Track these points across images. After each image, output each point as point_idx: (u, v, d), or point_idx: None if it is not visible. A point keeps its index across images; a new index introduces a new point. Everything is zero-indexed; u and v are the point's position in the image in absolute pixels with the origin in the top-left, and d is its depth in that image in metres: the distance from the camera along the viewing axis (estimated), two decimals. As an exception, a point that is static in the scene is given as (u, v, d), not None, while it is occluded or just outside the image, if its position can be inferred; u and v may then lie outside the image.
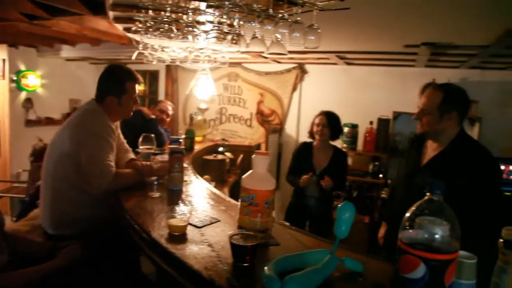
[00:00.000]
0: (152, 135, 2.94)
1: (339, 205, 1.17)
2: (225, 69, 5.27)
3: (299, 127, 5.09)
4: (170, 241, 1.39)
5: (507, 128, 4.36)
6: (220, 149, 4.02)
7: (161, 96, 5.82)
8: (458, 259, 1.00)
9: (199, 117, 4.28)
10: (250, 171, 1.55)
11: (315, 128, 3.25)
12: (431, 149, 2.04)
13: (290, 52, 3.82)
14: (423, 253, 0.80)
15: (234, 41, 2.19)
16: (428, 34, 2.73)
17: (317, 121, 3.27)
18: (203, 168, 3.78)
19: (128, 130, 3.42)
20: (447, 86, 2.00)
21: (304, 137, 4.96)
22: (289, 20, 1.74)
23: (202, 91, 4.29)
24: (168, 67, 5.64)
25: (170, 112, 3.91)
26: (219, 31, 1.93)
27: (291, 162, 3.39)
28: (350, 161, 4.78)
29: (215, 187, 3.50)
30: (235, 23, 1.81)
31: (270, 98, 5.19)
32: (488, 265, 1.03)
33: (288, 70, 5.04)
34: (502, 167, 4.18)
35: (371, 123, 4.51)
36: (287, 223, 1.76)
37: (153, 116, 3.70)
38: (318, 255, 1.19)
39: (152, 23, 2.00)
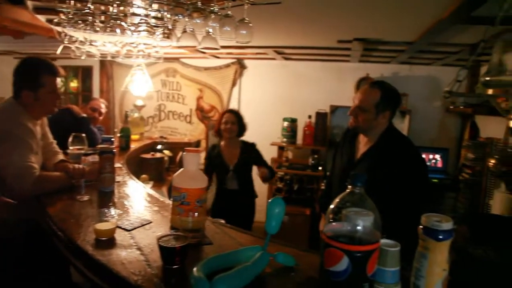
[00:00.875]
0: (83, 134, 2.80)
1: (269, 201, 1.16)
2: (162, 64, 5.11)
3: (239, 122, 5.08)
4: (97, 247, 1.31)
5: (433, 120, 4.64)
6: (158, 147, 3.90)
7: (96, 93, 5.54)
8: (383, 247, 1.04)
9: (136, 115, 4.12)
10: (181, 169, 1.50)
11: (223, 126, 3.31)
12: (363, 144, 2.11)
13: (228, 47, 3.80)
14: (345, 245, 0.81)
15: (165, 35, 2.12)
16: (359, 30, 2.82)
17: (224, 119, 3.32)
18: (140, 167, 3.65)
19: (57, 129, 3.21)
20: (383, 85, 2.04)
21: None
22: (219, 13, 1.70)
23: (138, 88, 4.13)
24: (103, 63, 5.38)
25: (103, 110, 3.72)
26: (147, 25, 1.84)
27: (204, 167, 3.45)
28: (290, 155, 4.87)
29: (154, 186, 3.41)
30: (163, 16, 1.74)
31: (209, 94, 5.12)
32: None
33: (227, 66, 5.00)
34: (430, 156, 4.46)
35: (309, 117, 4.60)
36: (222, 221, 1.72)
37: (84, 115, 3.50)
38: (249, 252, 1.17)
39: (74, 14, 1.87)
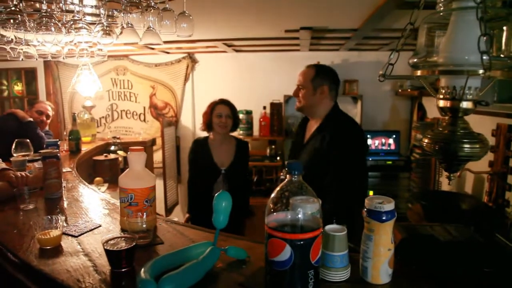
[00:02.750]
0: (28, 140, 2.67)
1: (215, 195, 1.15)
2: (111, 62, 4.95)
3: (194, 117, 5.02)
4: (41, 257, 1.25)
5: (384, 104, 4.79)
6: (112, 148, 3.78)
7: (42, 96, 5.28)
8: (329, 233, 1.05)
9: (86, 116, 3.96)
10: (127, 169, 1.46)
11: (216, 120, 2.77)
12: (312, 127, 2.19)
13: (178, 41, 3.73)
14: (287, 234, 0.81)
15: (106, 32, 2.04)
16: (305, 19, 2.85)
17: (219, 111, 2.80)
18: (94, 170, 3.53)
19: (1, 136, 3.06)
20: (318, 65, 2.23)
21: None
22: (156, 7, 1.65)
23: (86, 88, 3.97)
24: (47, 64, 5.13)
25: (50, 112, 3.56)
26: (82, 22, 1.76)
27: (189, 167, 2.95)
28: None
29: (108, 189, 3.30)
30: (98, 12, 1.67)
31: (162, 90, 5.01)
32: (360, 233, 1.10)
33: (178, 61, 4.91)
34: (383, 139, 4.60)
35: (264, 108, 4.62)
36: (176, 219, 1.69)
37: (30, 119, 3.33)
38: (199, 248, 1.16)
39: (0, 12, 1.75)
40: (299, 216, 0.83)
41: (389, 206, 1.02)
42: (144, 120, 5.13)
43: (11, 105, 5.51)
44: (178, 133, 5.05)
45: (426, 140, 0.94)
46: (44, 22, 1.70)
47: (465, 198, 3.15)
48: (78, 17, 1.67)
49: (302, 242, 0.81)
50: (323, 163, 1.99)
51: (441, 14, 0.90)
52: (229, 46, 4.12)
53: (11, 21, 1.78)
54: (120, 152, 3.68)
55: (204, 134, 2.97)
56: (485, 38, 0.75)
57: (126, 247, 1.09)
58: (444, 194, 3.45)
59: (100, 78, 4.52)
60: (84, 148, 3.48)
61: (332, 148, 1.97)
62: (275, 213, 0.84)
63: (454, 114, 0.92)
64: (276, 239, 0.82)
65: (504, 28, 0.89)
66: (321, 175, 1.96)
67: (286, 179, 0.85)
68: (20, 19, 1.65)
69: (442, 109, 0.94)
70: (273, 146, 4.64)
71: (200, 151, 2.86)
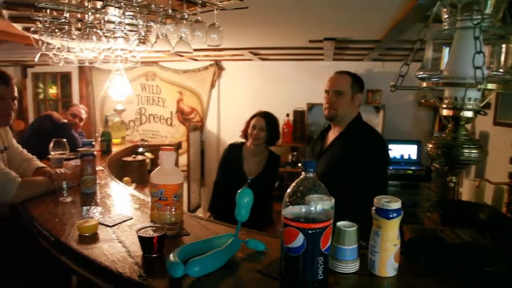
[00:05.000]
0: (64, 139, 2.86)
1: (238, 191, 1.27)
2: (141, 68, 5.18)
3: (219, 123, 5.18)
4: (80, 242, 1.40)
5: (406, 114, 4.82)
6: (140, 149, 3.97)
7: (76, 99, 5.56)
8: (341, 228, 1.16)
9: (117, 119, 4.17)
10: (158, 167, 1.60)
11: (250, 130, 2.83)
12: (332, 135, 2.21)
13: (205, 49, 3.90)
14: (300, 224, 0.92)
15: (141, 41, 2.21)
16: (328, 30, 2.96)
17: (253, 122, 2.83)
18: (122, 170, 3.72)
19: (38, 136, 3.28)
20: (350, 72, 2.16)
21: (225, 133, 5.11)
22: (189, 19, 1.80)
23: (117, 92, 4.19)
24: (81, 69, 5.41)
25: (84, 115, 3.78)
26: (122, 31, 1.93)
27: (219, 168, 3.03)
28: (270, 153, 4.98)
29: (136, 188, 3.47)
30: (136, 23, 1.83)
31: (189, 96, 5.20)
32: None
33: (205, 68, 5.09)
34: (405, 149, 4.63)
35: (287, 115, 4.73)
36: (201, 215, 1.82)
37: (65, 120, 3.55)
38: (222, 239, 1.28)
39: (51, 23, 1.94)
40: (311, 209, 0.94)
41: (396, 204, 1.12)
42: (171, 124, 5.33)
43: (46, 107, 5.81)
44: (203, 137, 5.22)
45: (430, 146, 1.04)
46: (87, 31, 1.86)
47: (484, 208, 3.14)
48: (119, 28, 1.83)
49: (313, 231, 0.92)
50: (342, 170, 2.00)
51: (446, 32, 1.00)
52: (255, 54, 4.26)
53: (58, 31, 1.97)
54: (148, 154, 3.86)
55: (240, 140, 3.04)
56: (479, 55, 0.85)
57: (157, 235, 1.23)
58: (462, 203, 3.47)
59: (131, 83, 4.74)
60: (115, 149, 3.67)
61: (355, 156, 1.97)
62: (290, 206, 0.96)
63: (456, 122, 1.02)
64: (290, 228, 0.93)
65: (503, 46, 0.98)
66: (339, 181, 1.92)
67: (301, 176, 0.96)
68: (67, 29, 1.83)
69: (445, 118, 1.03)
70: (295, 153, 4.74)
71: (233, 155, 2.93)
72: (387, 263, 1.12)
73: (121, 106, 4.34)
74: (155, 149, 4.21)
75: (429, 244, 1.33)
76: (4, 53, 4.23)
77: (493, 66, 1.00)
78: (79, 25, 2.13)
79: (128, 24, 1.96)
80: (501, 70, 0.98)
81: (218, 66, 5.07)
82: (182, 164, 4.92)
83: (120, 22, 1.76)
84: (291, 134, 4.72)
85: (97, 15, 1.95)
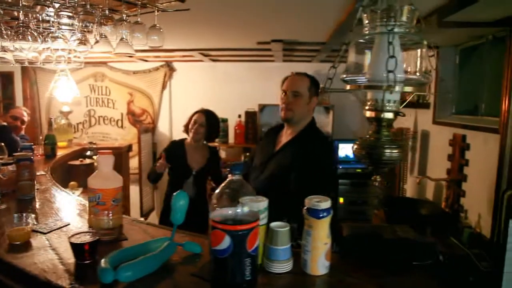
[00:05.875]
0: (2, 144, 2.72)
1: (174, 194, 1.27)
2: (90, 69, 5.02)
3: (171, 125, 5.13)
4: (10, 251, 1.35)
5: (354, 114, 4.98)
6: (88, 153, 3.85)
7: (19, 100, 5.30)
8: (273, 228, 1.18)
9: (63, 121, 4.02)
10: (96, 171, 1.56)
11: (191, 125, 3.05)
12: (284, 137, 2.22)
13: (155, 50, 3.84)
14: (226, 226, 0.93)
15: (81, 42, 2.15)
16: (275, 32, 3.01)
17: (195, 118, 3.06)
18: (69, 174, 3.59)
19: (-25, 140, 3.09)
20: (308, 74, 2.18)
21: (177, 134, 5.03)
22: (129, 21, 1.77)
23: (63, 93, 4.03)
24: (25, 69, 5.16)
25: (26, 118, 3.61)
26: (58, 31, 1.87)
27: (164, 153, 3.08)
28: (223, 154, 4.99)
29: (83, 192, 3.37)
30: (72, 23, 1.78)
31: (140, 98, 5.11)
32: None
33: (156, 69, 5.02)
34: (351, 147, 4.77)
35: (239, 116, 4.76)
36: (142, 219, 1.79)
37: (4, 123, 3.38)
38: (157, 243, 1.27)
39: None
40: (238, 211, 0.96)
41: (326, 204, 1.15)
42: (122, 126, 5.20)
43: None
44: (155, 139, 5.14)
45: (355, 146, 1.08)
46: (21, 31, 1.79)
47: (425, 204, 3.33)
48: (55, 28, 1.77)
49: (239, 233, 0.94)
50: (291, 173, 2.02)
51: (367, 37, 1.05)
52: (206, 55, 4.26)
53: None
54: (96, 157, 3.74)
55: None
56: (392, 59, 0.90)
57: (88, 241, 1.20)
58: (405, 200, 3.64)
59: (78, 84, 4.57)
60: (60, 153, 3.53)
61: (305, 161, 1.99)
62: (218, 208, 0.97)
63: (378, 123, 1.07)
64: (217, 230, 0.94)
65: (418, 51, 1.04)
66: (288, 183, 2.01)
67: (228, 179, 0.98)
68: (-3, 28, 1.75)
69: (368, 119, 1.08)
70: (247, 154, 4.76)
71: (175, 150, 3.09)
72: (318, 262, 1.15)
73: (67, 108, 4.19)
74: (104, 152, 4.09)
75: (362, 240, 1.39)
76: None
77: (411, 70, 1.06)
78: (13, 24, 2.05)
79: (66, 24, 1.89)
80: (417, 74, 1.04)
81: (169, 67, 5.01)
82: (133, 167, 4.82)
83: (54, 22, 1.70)
84: (243, 135, 4.75)
85: (32, 14, 1.87)
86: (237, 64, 4.90)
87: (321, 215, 1.14)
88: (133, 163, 4.81)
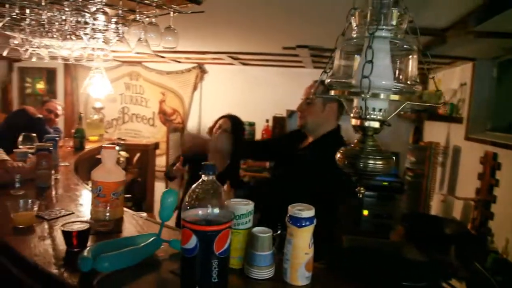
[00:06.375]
0: (34, 134, 2.88)
1: (163, 191, 1.29)
2: (126, 68, 5.21)
3: (200, 126, 5.21)
4: (13, 234, 1.42)
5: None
6: (116, 148, 3.98)
7: (61, 95, 5.58)
8: (254, 233, 1.16)
9: (95, 117, 4.19)
10: (100, 164, 1.62)
11: (215, 130, 2.93)
12: (305, 144, 2.14)
13: (187, 52, 3.93)
14: (193, 225, 0.93)
15: (104, 41, 2.23)
16: (300, 38, 2.99)
17: (220, 122, 2.95)
18: (94, 167, 3.72)
19: (13, 130, 3.29)
20: (323, 80, 2.11)
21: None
22: (143, 22, 1.83)
23: (96, 90, 4.21)
24: (67, 65, 5.43)
25: (59, 112, 3.80)
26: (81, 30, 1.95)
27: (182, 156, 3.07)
28: (249, 157, 5.00)
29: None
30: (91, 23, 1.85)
31: (171, 97, 5.24)
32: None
33: (188, 70, 5.13)
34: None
35: (267, 121, 4.76)
36: (144, 214, 1.83)
37: (40, 115, 3.57)
38: (144, 238, 1.29)
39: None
40: (208, 211, 0.95)
41: (308, 213, 1.11)
42: (153, 124, 5.35)
43: (32, 101, 5.83)
44: (183, 139, 5.24)
45: (338, 155, 1.05)
46: (46, 29, 1.88)
47: (450, 223, 3.18)
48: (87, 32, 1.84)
49: (206, 233, 0.94)
50: (306, 177, 1.95)
51: (355, 41, 1.03)
52: (235, 59, 4.30)
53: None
54: (123, 153, 3.88)
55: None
56: (368, 64, 0.87)
57: (77, 229, 1.24)
58: (428, 217, 3.49)
59: (114, 82, 4.77)
60: (89, 146, 3.68)
61: (318, 167, 1.88)
62: (189, 208, 0.97)
63: (364, 132, 1.04)
64: (186, 229, 0.95)
65: (410, 57, 1.00)
66: (302, 187, 1.92)
67: (201, 179, 0.98)
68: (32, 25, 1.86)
69: (354, 127, 1.05)
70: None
71: (197, 154, 2.87)
72: (298, 272, 1.12)
73: (100, 104, 4.36)
74: (131, 148, 4.23)
75: (351, 254, 1.34)
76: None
77: (402, 78, 1.02)
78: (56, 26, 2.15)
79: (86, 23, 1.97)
80: (408, 82, 1.00)
81: (201, 69, 5.11)
82: (161, 165, 4.93)
83: (82, 22, 1.77)
84: (270, 140, 4.74)
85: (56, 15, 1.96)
86: (267, 69, 4.91)
87: (303, 224, 1.11)
88: (161, 161, 4.92)
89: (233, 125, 2.89)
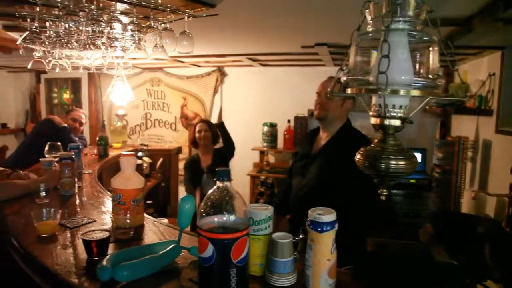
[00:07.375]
0: (59, 143, 2.93)
1: (180, 198, 1.27)
2: (147, 74, 5.27)
3: (222, 128, 5.21)
4: (36, 242, 1.43)
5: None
6: (139, 154, 4.03)
7: (85, 104, 5.71)
8: (274, 239, 1.13)
9: (118, 124, 4.25)
10: (119, 172, 1.62)
11: (197, 135, 3.59)
12: (322, 140, 2.21)
13: (206, 55, 3.94)
14: (209, 233, 0.91)
15: (123, 48, 2.25)
16: (318, 35, 2.94)
17: (197, 128, 3.61)
18: (119, 174, 3.77)
19: (39, 139, 3.37)
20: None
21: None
22: (158, 28, 1.83)
23: (119, 97, 4.26)
24: (91, 74, 5.56)
25: (83, 120, 3.87)
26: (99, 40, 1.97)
27: (185, 176, 3.76)
28: (271, 159, 4.97)
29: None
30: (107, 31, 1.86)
31: (193, 102, 5.27)
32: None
33: (208, 74, 5.14)
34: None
35: (288, 121, 4.71)
36: (165, 220, 1.82)
37: (65, 125, 3.65)
38: (163, 245, 1.27)
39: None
40: (224, 219, 0.93)
41: (329, 217, 1.05)
42: (175, 129, 5.39)
43: (59, 111, 5.98)
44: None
45: (358, 156, 1.01)
46: (66, 40, 1.91)
47: (482, 221, 3.04)
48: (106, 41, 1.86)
49: (223, 242, 0.91)
50: (331, 177, 2.02)
51: (370, 35, 0.98)
52: (254, 60, 4.27)
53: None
54: (146, 159, 3.91)
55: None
56: (385, 59, 0.83)
57: (97, 238, 1.24)
58: (459, 215, 3.36)
59: (136, 88, 4.83)
60: (112, 153, 3.73)
61: (346, 163, 1.90)
62: (204, 215, 0.94)
63: (384, 131, 0.99)
64: (202, 237, 0.92)
65: (431, 49, 0.95)
66: (328, 189, 1.98)
67: (216, 185, 0.95)
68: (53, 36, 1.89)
69: (374, 126, 1.00)
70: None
71: (193, 164, 3.70)
72: (321, 279, 1.07)
73: (123, 111, 4.42)
74: (154, 153, 4.27)
75: (375, 260, 1.28)
76: (17, 60, 4.37)
77: (423, 72, 0.97)
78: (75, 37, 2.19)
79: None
80: (430, 76, 0.95)
81: (221, 72, 5.11)
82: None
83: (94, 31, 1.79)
84: (292, 140, 4.70)
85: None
86: (287, 69, 4.87)
87: (324, 229, 1.06)
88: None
89: (208, 124, 3.65)
